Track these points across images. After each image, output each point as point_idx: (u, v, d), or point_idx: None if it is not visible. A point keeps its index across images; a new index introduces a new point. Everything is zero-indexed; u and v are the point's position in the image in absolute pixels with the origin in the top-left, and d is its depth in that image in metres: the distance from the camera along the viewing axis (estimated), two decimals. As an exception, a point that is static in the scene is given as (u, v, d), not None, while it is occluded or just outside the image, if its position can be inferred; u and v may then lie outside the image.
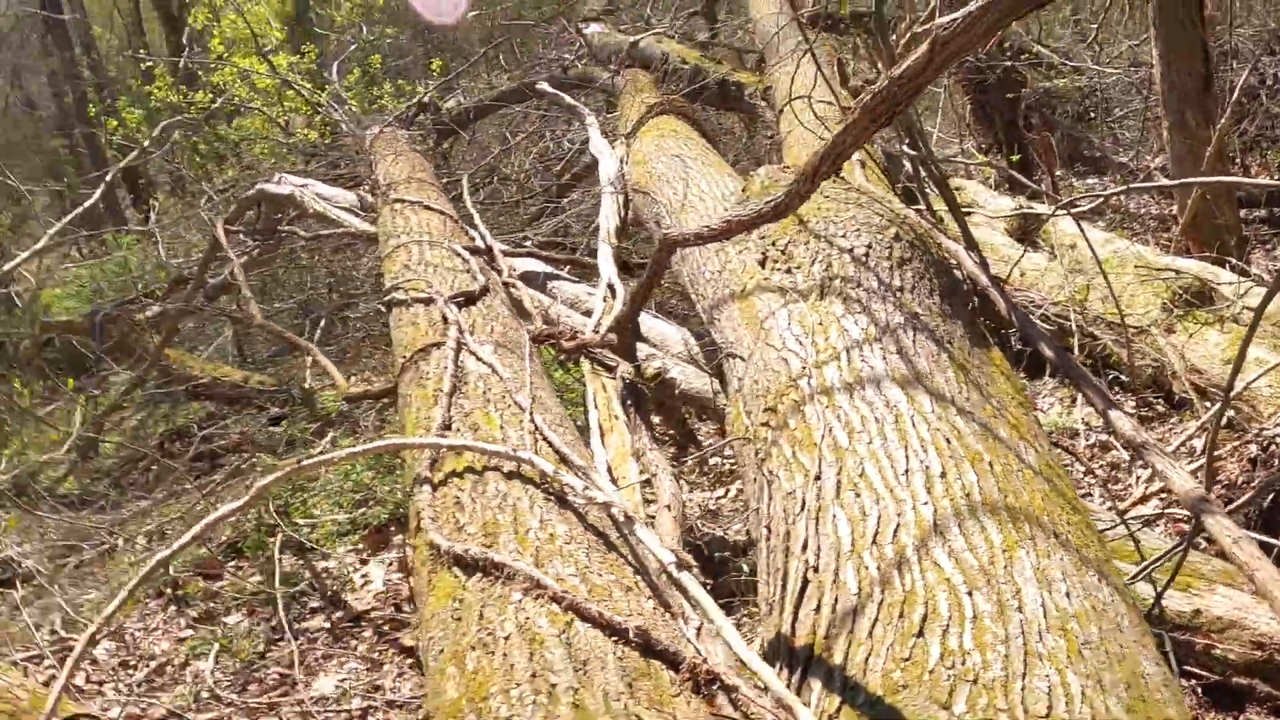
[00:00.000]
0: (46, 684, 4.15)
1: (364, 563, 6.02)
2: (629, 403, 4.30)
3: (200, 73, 17.51)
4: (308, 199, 8.91)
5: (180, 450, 8.77)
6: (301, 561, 6.02)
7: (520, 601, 2.29)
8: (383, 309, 5.89)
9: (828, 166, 3.13)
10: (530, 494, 2.83)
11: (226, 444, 8.61)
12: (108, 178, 14.01)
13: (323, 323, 10.02)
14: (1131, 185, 6.30)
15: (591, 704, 1.94)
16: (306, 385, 8.38)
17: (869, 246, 3.95)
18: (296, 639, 5.31)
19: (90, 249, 15.17)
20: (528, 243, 8.12)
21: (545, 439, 3.16)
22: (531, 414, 3.32)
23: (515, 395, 3.46)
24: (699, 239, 3.99)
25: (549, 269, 6.94)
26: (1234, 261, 6.23)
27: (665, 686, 2.06)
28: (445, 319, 4.19)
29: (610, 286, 5.72)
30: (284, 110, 14.73)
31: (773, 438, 3.26)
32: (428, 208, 6.21)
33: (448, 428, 3.29)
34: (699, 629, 2.44)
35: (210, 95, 15.35)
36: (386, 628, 5.31)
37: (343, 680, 4.91)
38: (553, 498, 2.82)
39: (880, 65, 8.90)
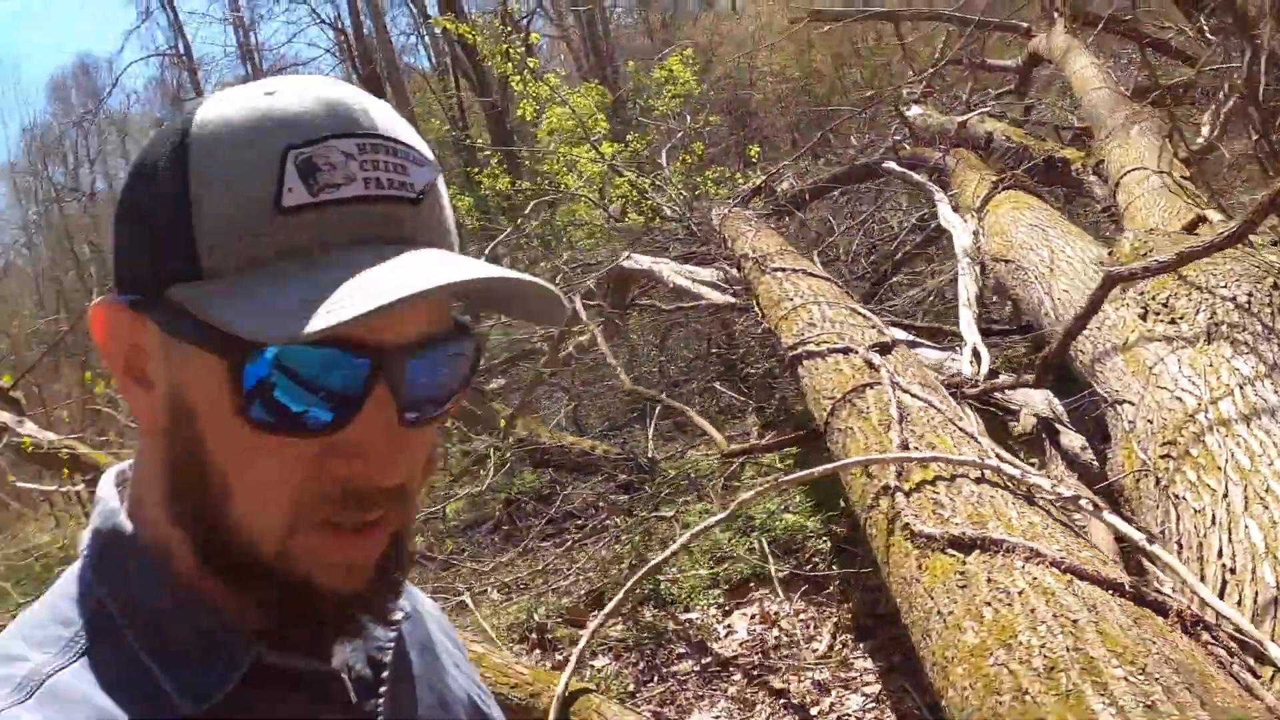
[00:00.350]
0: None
1: (727, 614, 6.41)
2: (1043, 435, 4.82)
3: (526, 161, 18.56)
4: (667, 273, 9.58)
5: (531, 512, 9.40)
6: (664, 613, 6.48)
7: (1023, 567, 2.80)
8: (773, 367, 6.42)
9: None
10: (1001, 494, 3.32)
11: (574, 508, 9.14)
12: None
13: (685, 388, 10.56)
14: None
15: (1111, 631, 2.44)
16: (652, 454, 9.02)
17: (1250, 295, 4.34)
18: (666, 681, 5.80)
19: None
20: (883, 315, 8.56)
21: (996, 454, 3.68)
22: (978, 435, 3.87)
23: (959, 423, 4.01)
24: (1146, 272, 4.40)
25: (909, 336, 7.39)
26: None
27: (1161, 625, 2.55)
28: (871, 364, 4.76)
29: (975, 350, 6.21)
30: (612, 196, 15.39)
31: (1175, 466, 3.66)
32: (811, 274, 6.79)
33: (905, 447, 3.84)
34: (1172, 590, 2.93)
35: (540, 183, 16.25)
36: (756, 672, 5.69)
37: (716, 718, 5.35)
38: (1020, 498, 3.32)
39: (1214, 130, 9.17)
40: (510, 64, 16.28)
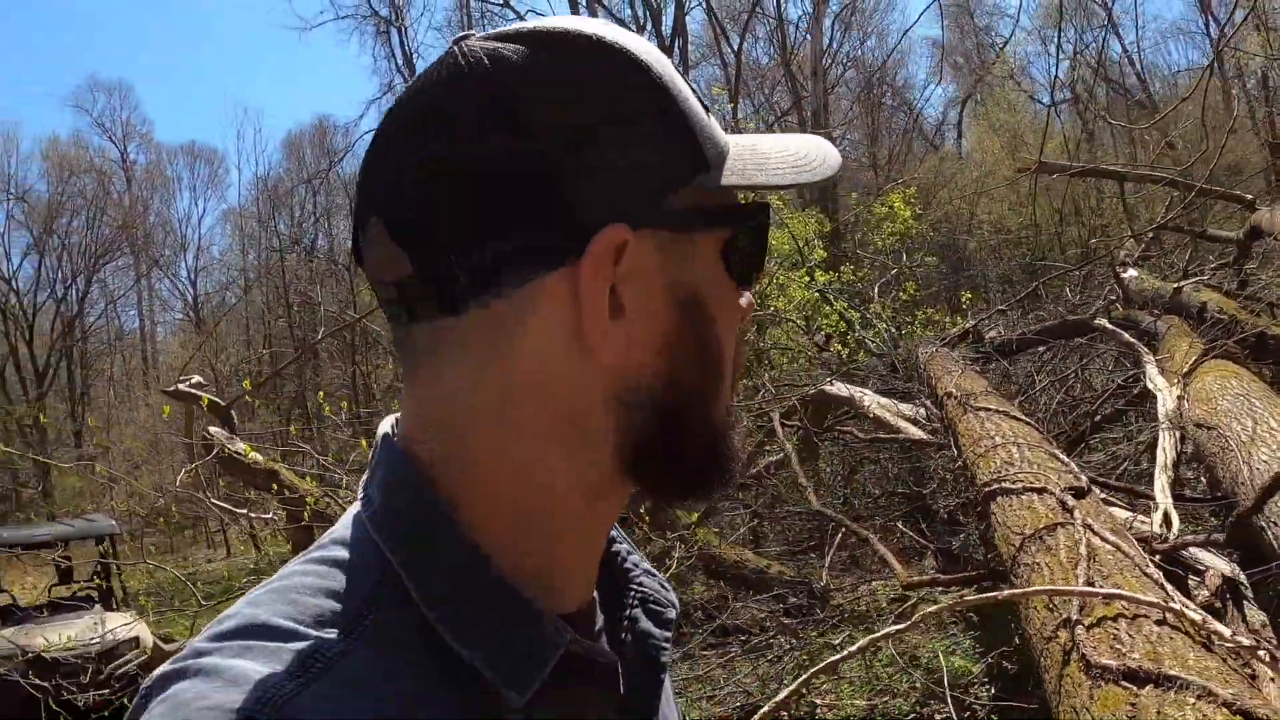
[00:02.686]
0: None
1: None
2: (1227, 596, 4.88)
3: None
4: (868, 402, 9.78)
5: (698, 620, 9.50)
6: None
7: (1195, 703, 2.94)
8: (938, 510, 6.52)
9: None
10: (1181, 637, 3.45)
11: (740, 623, 9.26)
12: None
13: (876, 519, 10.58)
14: None
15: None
16: (825, 581, 9.11)
17: None
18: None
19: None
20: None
21: (1180, 600, 3.81)
22: (1163, 582, 4.00)
23: (1145, 569, 4.14)
24: None
25: (1101, 494, 7.40)
26: None
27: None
28: (1064, 505, 4.91)
29: (1166, 514, 6.25)
30: (819, 324, 15.53)
31: None
32: (1013, 417, 6.93)
33: (1090, 584, 3.99)
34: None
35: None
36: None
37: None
38: (1199, 643, 3.45)
39: None
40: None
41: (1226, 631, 3.49)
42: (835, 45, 38.38)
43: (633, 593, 1.13)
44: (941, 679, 6.56)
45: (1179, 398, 7.84)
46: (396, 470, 0.98)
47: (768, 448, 11.44)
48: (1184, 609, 3.56)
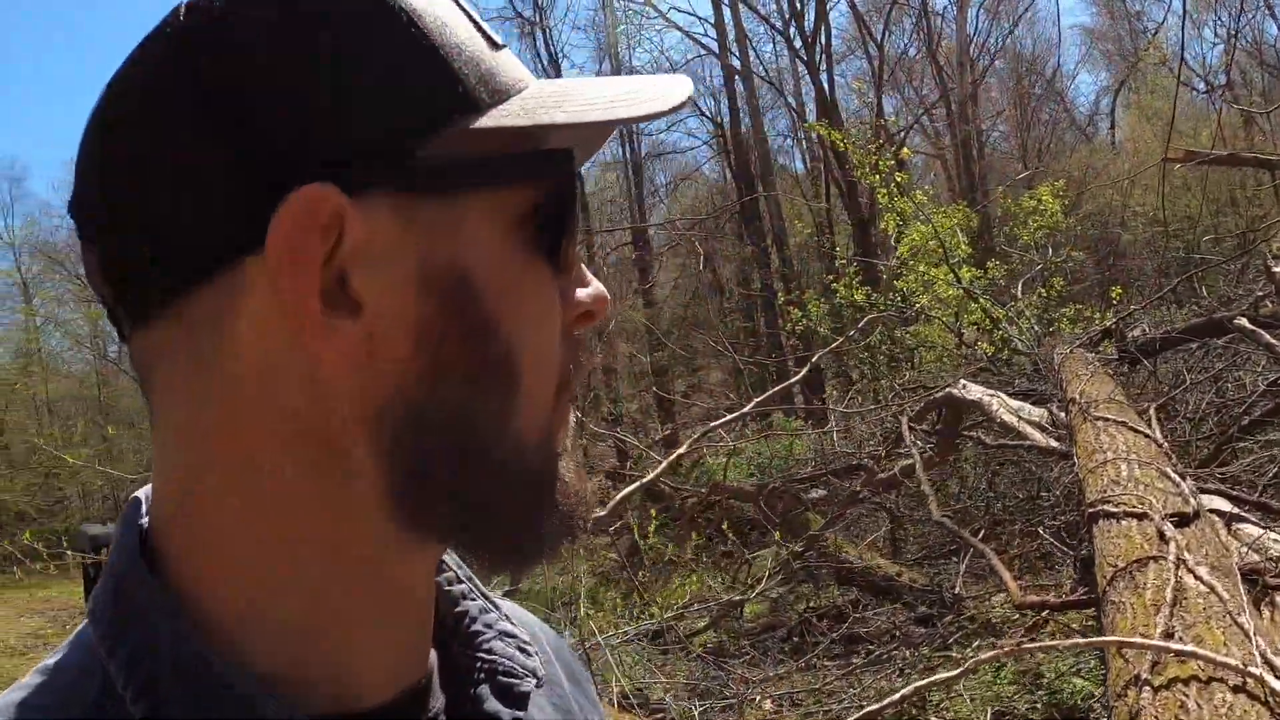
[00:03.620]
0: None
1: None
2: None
3: (885, 275, 18.50)
4: (996, 407, 9.30)
5: (825, 628, 9.24)
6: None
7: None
8: (1075, 522, 6.12)
9: None
10: (1257, 710, 2.99)
11: (868, 631, 8.97)
12: (813, 360, 14.78)
13: (997, 532, 10.19)
14: None
15: None
16: (958, 590, 8.67)
17: None
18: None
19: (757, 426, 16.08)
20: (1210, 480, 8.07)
21: (1269, 663, 3.30)
22: (1254, 634, 3.49)
23: (1237, 617, 3.63)
24: None
25: (1234, 509, 6.91)
26: None
27: None
28: (1162, 535, 4.40)
29: (1308, 532, 5.73)
30: (965, 321, 15.16)
31: None
32: (1133, 429, 6.42)
33: (1170, 636, 3.49)
34: None
35: (896, 298, 16.15)
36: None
37: None
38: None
39: None
40: (879, 176, 16.27)
41: (1311, 704, 2.98)
42: (983, 35, 37.49)
43: (479, 664, 0.90)
44: (1064, 698, 6.36)
45: None
46: (122, 548, 0.77)
47: (899, 451, 11.08)
48: (1265, 674, 3.06)
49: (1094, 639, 3.85)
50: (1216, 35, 29.13)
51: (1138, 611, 3.93)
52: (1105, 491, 5.40)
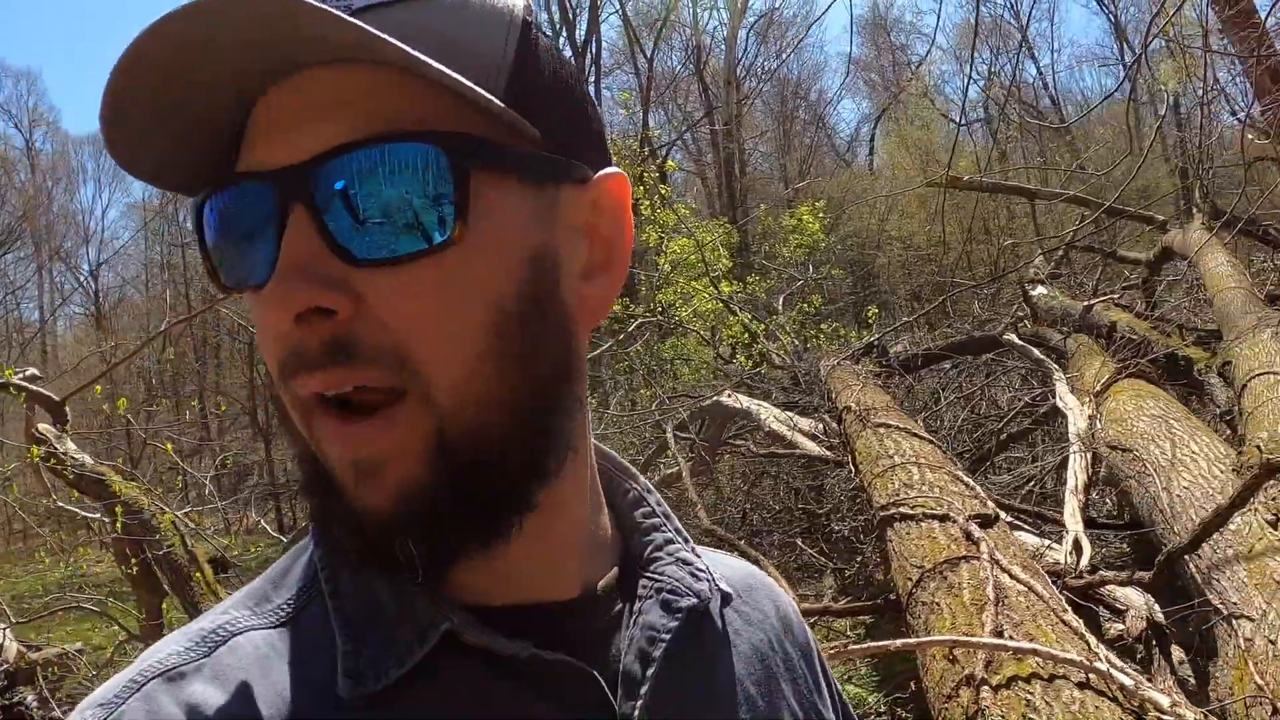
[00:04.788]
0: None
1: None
2: (1152, 640, 4.37)
3: (641, 289, 18.54)
4: (765, 416, 9.35)
5: None
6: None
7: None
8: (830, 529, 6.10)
9: None
10: (1109, 706, 2.90)
11: None
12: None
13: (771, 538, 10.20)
14: None
15: None
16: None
17: None
18: None
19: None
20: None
21: (1107, 657, 3.24)
22: (1085, 633, 3.43)
23: (1063, 615, 3.57)
24: None
25: (1007, 517, 7.04)
26: None
27: None
28: (970, 536, 4.35)
29: (1077, 541, 5.84)
30: (724, 336, 15.30)
31: None
32: (915, 435, 6.43)
33: (999, 634, 3.41)
34: None
35: (656, 310, 16.19)
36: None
37: None
38: (1130, 714, 2.89)
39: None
40: (642, 187, 16.26)
41: (1165, 701, 2.93)
42: (750, 57, 38.23)
43: (652, 584, 1.04)
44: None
45: (1090, 417, 7.52)
46: None
47: (662, 460, 11.04)
48: (1112, 670, 2.98)
49: (929, 638, 3.72)
50: (977, 72, 30.34)
51: (957, 611, 3.85)
52: (898, 494, 5.36)
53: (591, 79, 31.51)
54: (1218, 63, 12.49)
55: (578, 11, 32.47)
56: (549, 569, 0.95)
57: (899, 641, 3.77)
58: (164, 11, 0.75)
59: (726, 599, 1.08)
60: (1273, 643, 3.59)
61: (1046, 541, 6.32)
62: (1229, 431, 7.32)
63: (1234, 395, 7.61)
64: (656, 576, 1.04)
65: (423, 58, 0.77)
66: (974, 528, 4.44)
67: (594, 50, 32.21)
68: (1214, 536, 4.49)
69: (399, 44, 0.76)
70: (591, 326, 0.97)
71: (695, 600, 1.02)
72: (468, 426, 0.83)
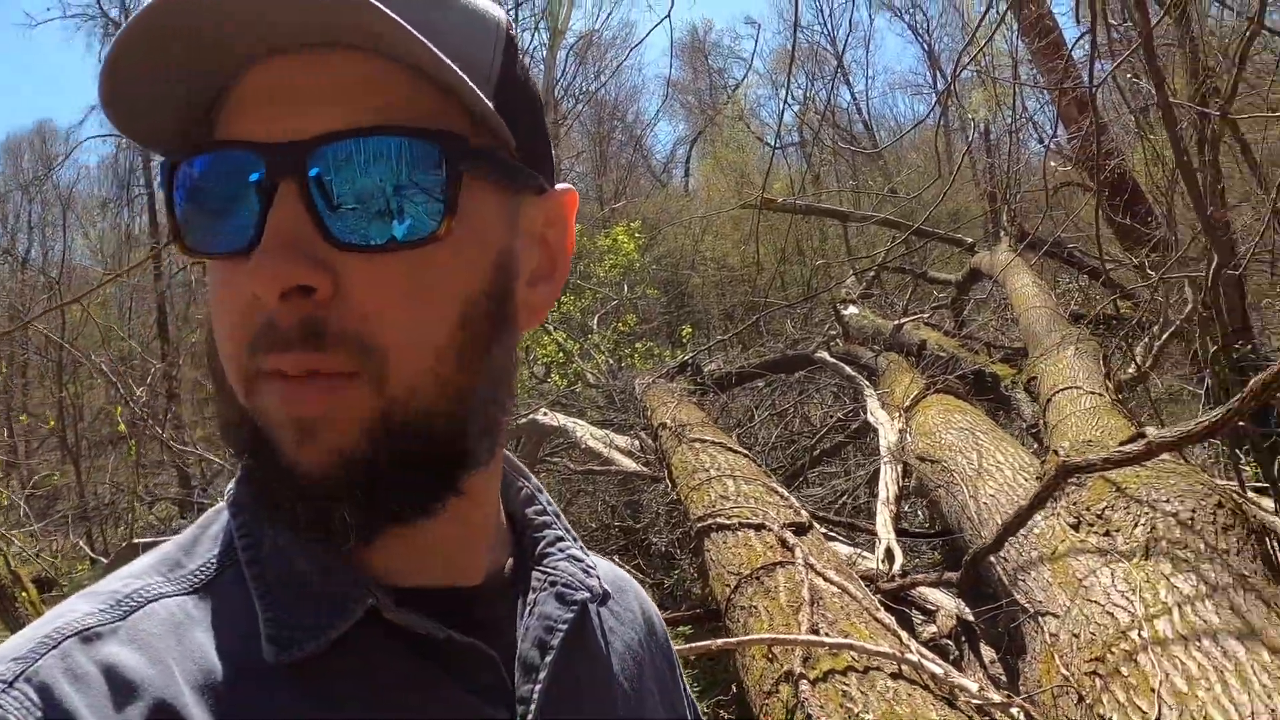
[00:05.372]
0: None
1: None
2: (963, 638, 4.51)
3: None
4: (581, 434, 9.39)
5: None
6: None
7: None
8: (683, 537, 6.15)
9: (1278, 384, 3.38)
10: (921, 693, 3.00)
11: None
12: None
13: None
14: None
15: None
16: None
17: (1194, 511, 4.19)
18: None
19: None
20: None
21: (918, 650, 3.34)
22: (897, 629, 3.53)
23: (876, 614, 3.68)
24: (1107, 463, 4.15)
25: (822, 529, 7.19)
26: None
27: None
28: (785, 543, 4.44)
29: (889, 549, 6.01)
30: (538, 354, 15.30)
31: (1102, 685, 3.40)
32: (730, 449, 6.54)
33: (815, 632, 3.51)
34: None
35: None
36: None
37: None
38: (941, 699, 2.99)
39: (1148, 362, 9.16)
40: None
41: (973, 686, 3.05)
42: (569, 78, 38.34)
43: (546, 577, 1.08)
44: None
45: (901, 431, 7.73)
46: None
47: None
48: (922, 659, 3.09)
49: (749, 637, 3.79)
50: (793, 96, 30.90)
51: (774, 614, 3.93)
52: (715, 506, 5.45)
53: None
54: (1027, 92, 12.96)
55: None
56: (461, 554, 1.00)
57: (720, 641, 3.85)
58: None
59: (605, 597, 1.14)
60: (1076, 636, 3.74)
61: (860, 551, 6.47)
62: (1036, 444, 7.59)
63: (1039, 409, 7.91)
64: (550, 570, 1.08)
65: (446, 61, 0.81)
66: (789, 535, 4.54)
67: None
68: (1020, 540, 4.66)
69: (429, 44, 0.80)
70: (528, 329, 1.00)
71: (588, 595, 1.08)
72: (415, 412, 0.85)
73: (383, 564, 0.92)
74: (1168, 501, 4.30)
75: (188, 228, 0.87)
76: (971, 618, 4.89)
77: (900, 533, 6.68)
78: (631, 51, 45.12)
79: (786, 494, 5.55)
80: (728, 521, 5.08)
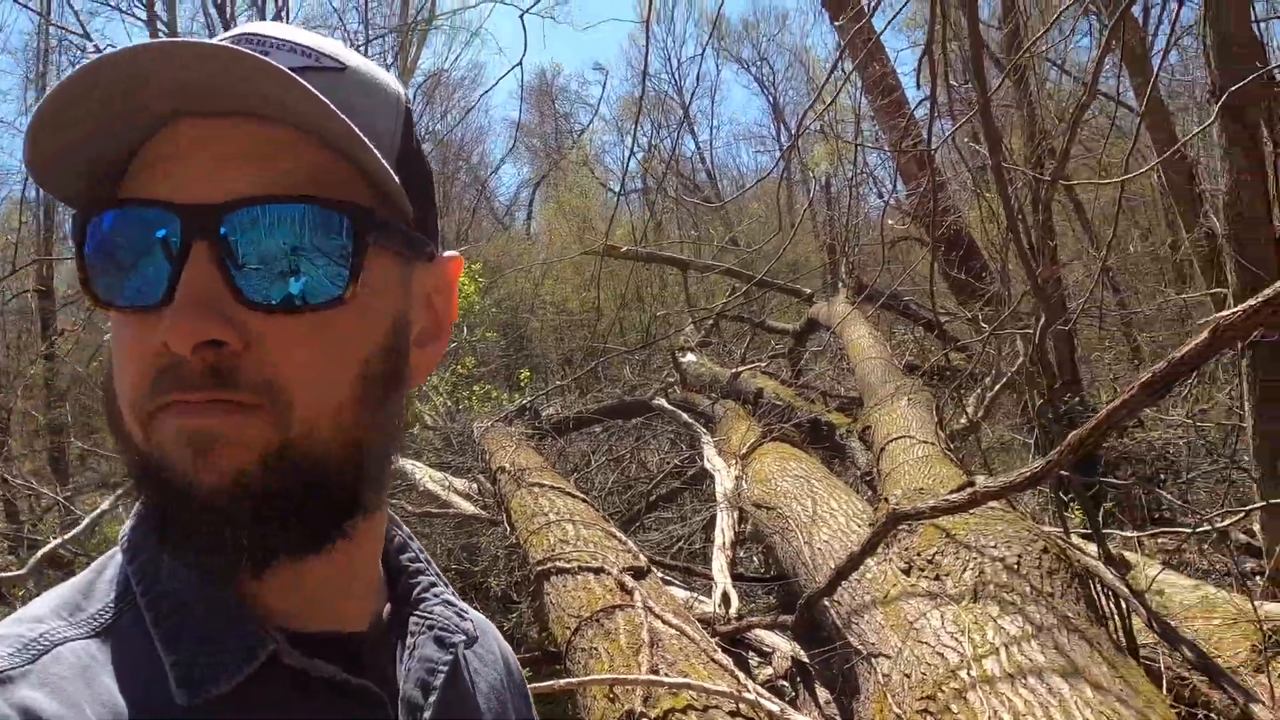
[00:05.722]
0: None
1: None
2: (798, 679, 4.61)
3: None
4: (419, 476, 9.35)
5: None
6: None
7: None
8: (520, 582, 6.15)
9: (1094, 438, 3.52)
10: (758, 732, 3.09)
11: None
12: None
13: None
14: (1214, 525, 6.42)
15: None
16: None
17: (1020, 556, 4.38)
18: None
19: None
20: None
21: (755, 689, 3.42)
22: (735, 669, 3.61)
23: (714, 655, 3.75)
24: (935, 511, 4.28)
25: (660, 574, 7.24)
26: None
27: None
28: (624, 586, 4.50)
29: (725, 593, 6.11)
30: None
31: None
32: (569, 494, 6.58)
33: (655, 673, 3.57)
34: None
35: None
36: None
37: None
38: (778, 739, 3.07)
39: (977, 412, 9.42)
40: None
41: (807, 724, 3.11)
42: (416, 116, 38.08)
43: (423, 621, 1.13)
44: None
45: (737, 478, 7.85)
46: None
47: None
48: (760, 699, 3.17)
49: (591, 677, 3.83)
50: (638, 144, 31.13)
51: (615, 655, 3.99)
52: (554, 550, 5.48)
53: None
54: (868, 148, 13.29)
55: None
56: (348, 600, 1.04)
57: (562, 681, 3.88)
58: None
59: (472, 640, 1.18)
60: (908, 676, 3.86)
61: (696, 595, 6.55)
62: (870, 492, 7.76)
63: (873, 458, 8.10)
64: (427, 615, 1.14)
65: (363, 139, 0.87)
66: (628, 579, 4.61)
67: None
68: (853, 585, 4.78)
69: (348, 121, 0.85)
70: (414, 387, 1.06)
71: (464, 638, 1.14)
72: (312, 452, 0.88)
73: (277, 608, 0.95)
74: (995, 547, 4.47)
75: (97, 278, 0.90)
76: (806, 659, 5.00)
77: (736, 577, 6.79)
78: (482, 97, 45.15)
79: (625, 539, 5.62)
80: (567, 565, 5.12)
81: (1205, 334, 3.02)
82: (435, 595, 1.17)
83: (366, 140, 0.87)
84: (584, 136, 36.56)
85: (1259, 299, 2.90)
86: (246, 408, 0.86)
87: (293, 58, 0.93)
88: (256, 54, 0.83)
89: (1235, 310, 2.98)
